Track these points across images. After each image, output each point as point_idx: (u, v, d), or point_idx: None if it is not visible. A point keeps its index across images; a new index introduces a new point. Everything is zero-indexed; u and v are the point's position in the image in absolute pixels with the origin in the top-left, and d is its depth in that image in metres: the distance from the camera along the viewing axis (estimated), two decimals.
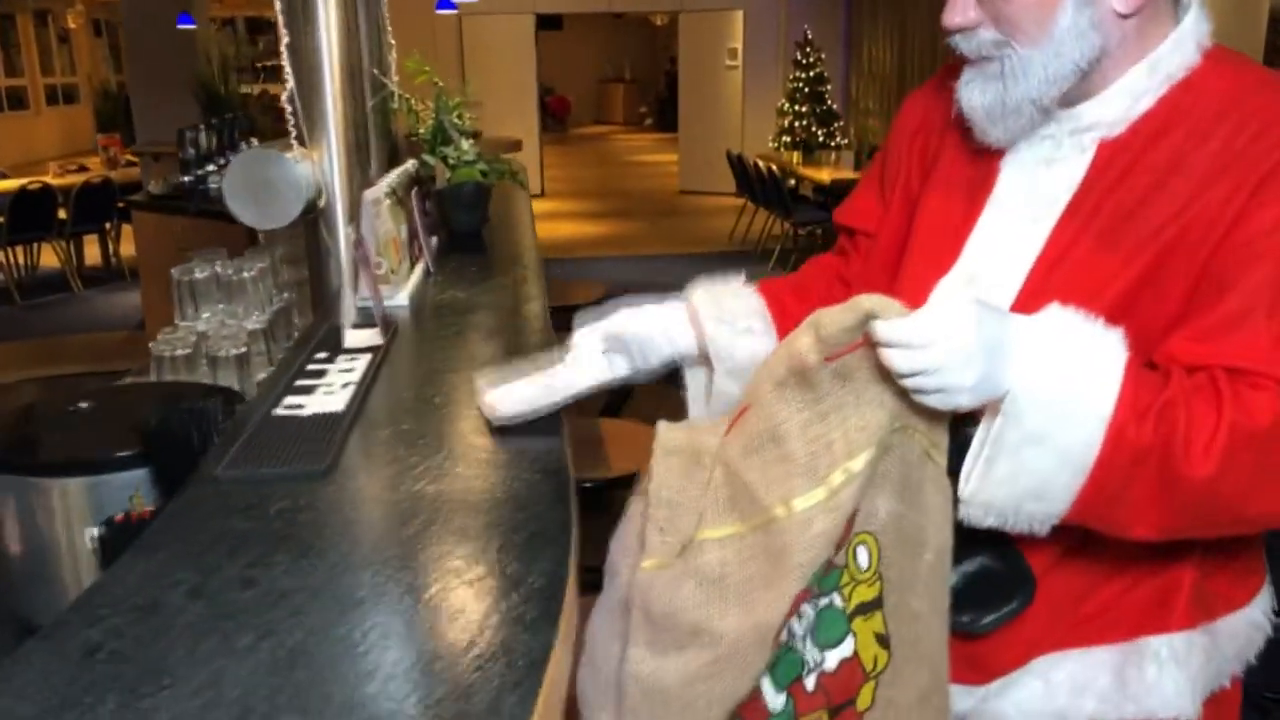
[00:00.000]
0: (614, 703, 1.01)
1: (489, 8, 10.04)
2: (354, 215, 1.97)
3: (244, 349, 1.71)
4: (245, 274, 1.96)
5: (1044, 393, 0.92)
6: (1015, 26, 1.02)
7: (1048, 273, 1.05)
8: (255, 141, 2.56)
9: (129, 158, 8.47)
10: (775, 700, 0.95)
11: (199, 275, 1.93)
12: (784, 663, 0.94)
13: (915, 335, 0.90)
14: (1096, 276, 1.02)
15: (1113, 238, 1.02)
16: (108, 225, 7.86)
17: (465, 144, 2.63)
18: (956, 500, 0.99)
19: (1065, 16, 1.00)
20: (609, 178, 13.56)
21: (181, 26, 7.27)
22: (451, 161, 2.59)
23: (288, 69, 2.01)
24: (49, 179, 7.51)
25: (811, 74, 9.73)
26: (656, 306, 1.27)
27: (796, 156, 8.99)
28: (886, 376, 0.94)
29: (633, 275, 7.62)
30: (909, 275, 1.18)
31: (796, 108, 9.74)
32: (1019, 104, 1.04)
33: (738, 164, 8.44)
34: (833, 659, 0.96)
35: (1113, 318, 0.97)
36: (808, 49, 9.76)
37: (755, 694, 0.94)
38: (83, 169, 8.26)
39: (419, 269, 2.15)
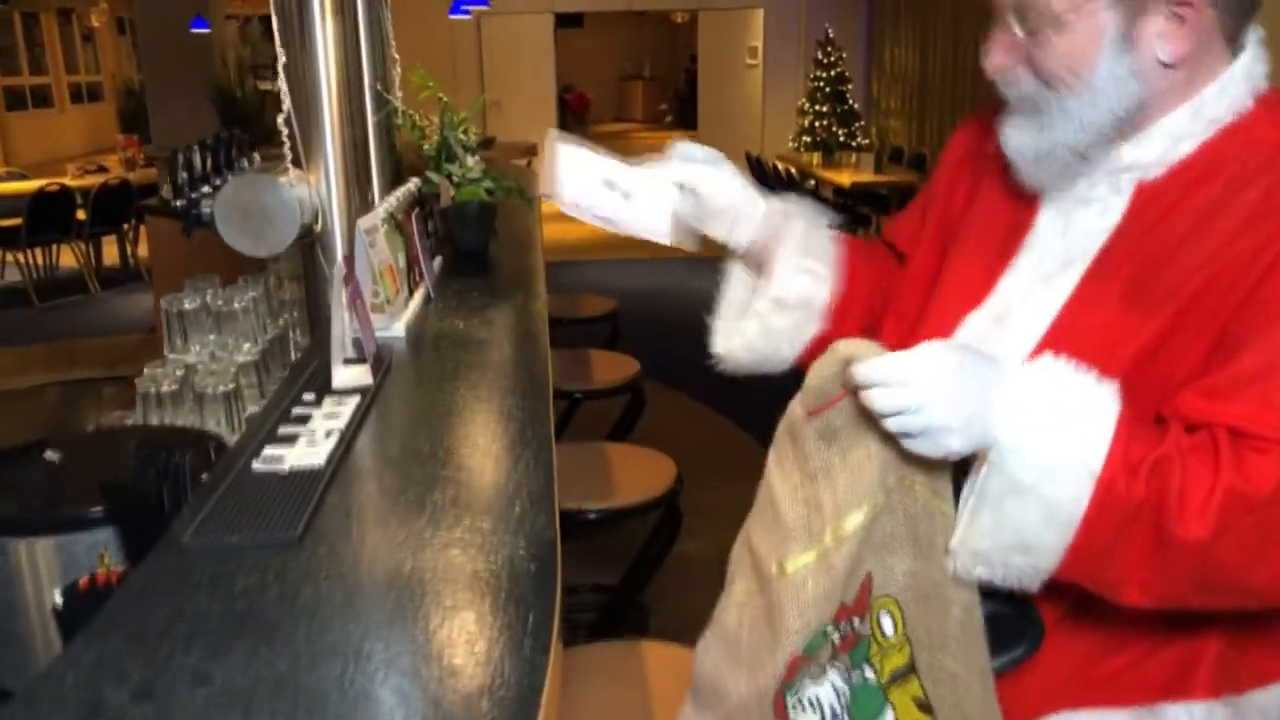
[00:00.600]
0: None
1: (508, 8, 9.99)
2: (351, 240, 1.91)
3: (232, 385, 1.66)
4: (236, 304, 1.90)
5: (1031, 443, 0.90)
6: (1053, 74, 1.00)
7: (1072, 321, 1.02)
8: (257, 157, 2.50)
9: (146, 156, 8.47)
10: None
11: (188, 306, 1.88)
12: None
13: (893, 373, 0.90)
14: (1118, 329, 0.98)
15: (1139, 289, 0.98)
16: (126, 226, 7.87)
17: (471, 160, 2.56)
18: None
19: (1103, 64, 0.97)
20: None
21: (196, 30, 7.25)
22: (456, 179, 2.52)
23: (284, 90, 1.95)
24: (67, 180, 7.52)
25: (832, 73, 9.61)
26: (742, 185, 1.26)
27: (816, 158, 8.87)
28: (872, 430, 0.93)
29: (646, 279, 7.55)
30: (938, 307, 1.16)
31: (817, 107, 9.63)
32: (1055, 150, 1.02)
33: (756, 166, 8.35)
34: None
35: (1133, 372, 0.95)
36: (829, 48, 9.64)
37: None
38: (101, 169, 8.27)
39: (418, 295, 2.08)
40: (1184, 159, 1.00)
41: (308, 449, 1.30)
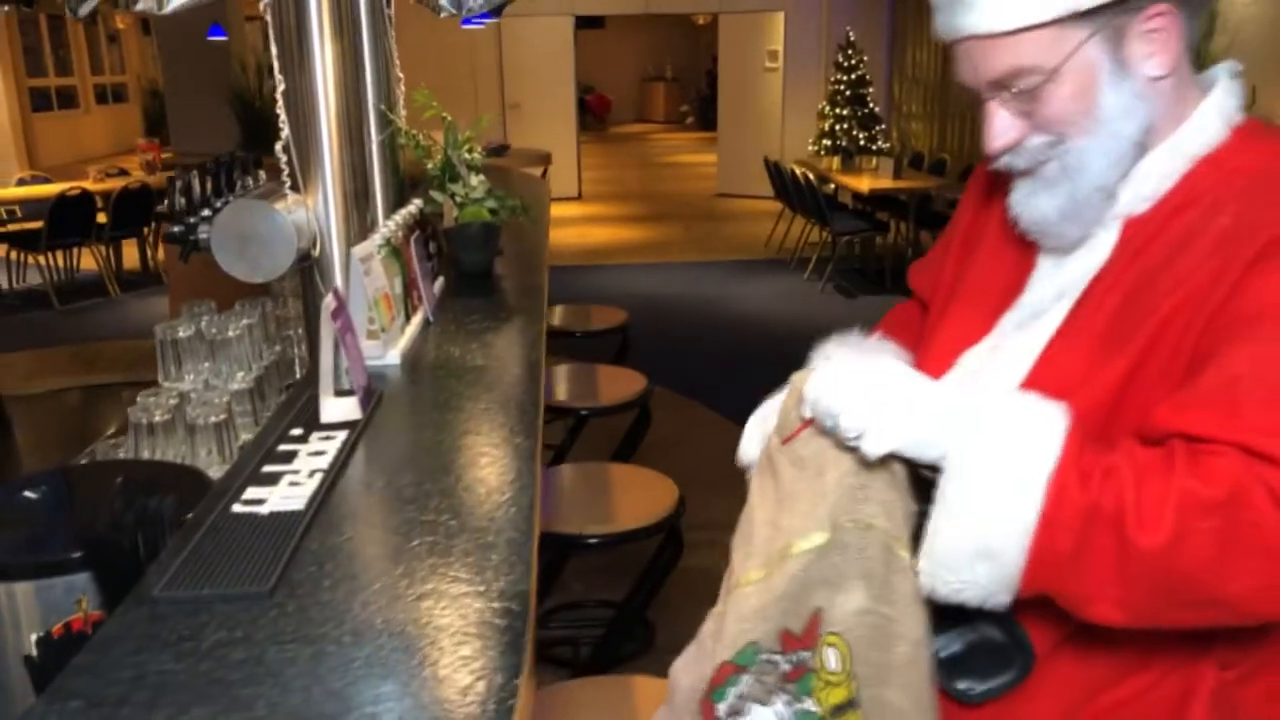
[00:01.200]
0: None
1: (528, 10, 9.99)
2: (348, 266, 1.90)
3: (224, 416, 1.65)
4: (231, 332, 1.90)
5: (985, 448, 0.93)
6: (1063, 120, 1.01)
7: (1055, 354, 1.05)
8: (262, 175, 2.50)
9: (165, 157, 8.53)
10: None
11: (182, 334, 1.87)
12: None
13: (811, 390, 0.97)
14: (1098, 359, 1.01)
15: (1119, 319, 1.01)
16: (146, 230, 7.93)
17: (475, 180, 2.55)
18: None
19: (1107, 96, 0.99)
20: (647, 179, 13.47)
21: (213, 39, 7.29)
22: (459, 199, 2.51)
23: (283, 117, 1.95)
24: (88, 184, 7.59)
25: (853, 76, 9.55)
26: None
27: (835, 163, 8.81)
28: (839, 462, 0.98)
29: (665, 284, 7.53)
30: (939, 340, 1.19)
31: (838, 110, 9.56)
32: (1089, 195, 1.03)
33: (775, 172, 8.29)
34: None
35: (1114, 400, 0.97)
36: (850, 50, 9.58)
37: None
38: (122, 173, 8.34)
39: (416, 320, 2.07)
40: (1166, 193, 1.03)
41: (289, 489, 1.30)
